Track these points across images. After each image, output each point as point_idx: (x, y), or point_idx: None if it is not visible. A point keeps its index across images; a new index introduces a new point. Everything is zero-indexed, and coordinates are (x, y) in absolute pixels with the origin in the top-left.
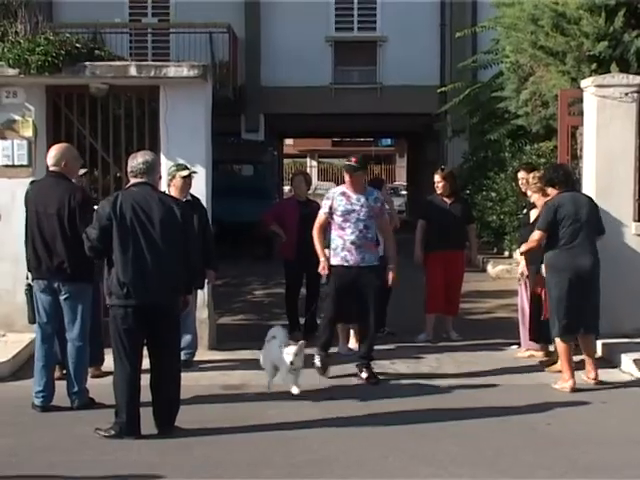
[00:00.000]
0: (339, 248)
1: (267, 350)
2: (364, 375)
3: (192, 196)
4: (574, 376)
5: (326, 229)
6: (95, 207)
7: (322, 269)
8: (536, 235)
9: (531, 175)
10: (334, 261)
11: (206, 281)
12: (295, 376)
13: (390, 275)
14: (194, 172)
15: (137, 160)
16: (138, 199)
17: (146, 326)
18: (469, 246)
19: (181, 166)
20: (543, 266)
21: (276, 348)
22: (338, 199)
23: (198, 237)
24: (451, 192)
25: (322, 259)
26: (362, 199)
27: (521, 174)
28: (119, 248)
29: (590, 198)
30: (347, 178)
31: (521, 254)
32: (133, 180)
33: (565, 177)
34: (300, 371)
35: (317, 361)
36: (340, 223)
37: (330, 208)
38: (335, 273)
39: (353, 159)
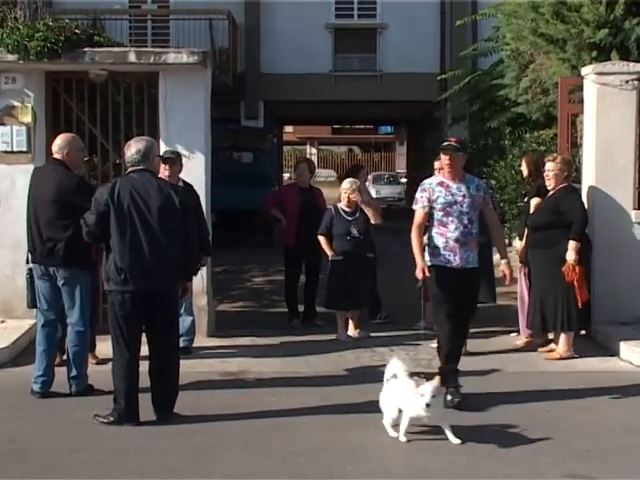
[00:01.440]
0: (440, 248)
1: (388, 390)
2: (456, 400)
3: (184, 182)
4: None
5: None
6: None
7: (419, 273)
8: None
9: (553, 161)
10: (434, 262)
11: (200, 265)
12: (444, 421)
13: (507, 271)
14: (173, 156)
15: (130, 151)
16: (136, 185)
17: (144, 312)
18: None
19: (170, 152)
20: (571, 252)
21: (401, 387)
22: (436, 190)
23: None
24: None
25: (420, 262)
26: (463, 188)
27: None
28: (117, 234)
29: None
30: (446, 162)
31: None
32: (131, 169)
33: None
34: (445, 417)
35: (450, 397)
36: (440, 218)
37: (428, 201)
38: (436, 278)
39: (453, 139)
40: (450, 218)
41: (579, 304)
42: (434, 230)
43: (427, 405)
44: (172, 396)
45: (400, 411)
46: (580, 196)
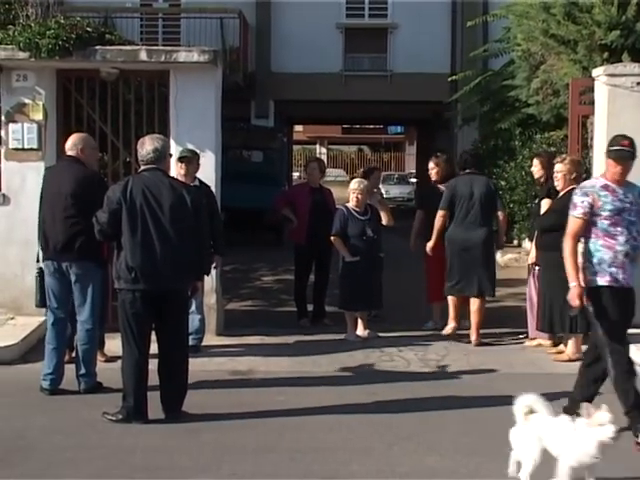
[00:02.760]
0: (606, 264)
1: (527, 429)
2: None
3: (200, 181)
4: (457, 323)
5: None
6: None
7: (576, 299)
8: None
9: (561, 162)
10: (599, 281)
11: (213, 266)
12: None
13: None
14: (190, 155)
15: (146, 149)
16: (149, 184)
17: (154, 311)
18: None
19: (187, 151)
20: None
21: (553, 426)
22: (602, 195)
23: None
24: (446, 179)
25: (576, 285)
26: (629, 194)
27: (534, 163)
28: (128, 232)
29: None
30: (617, 171)
31: None
32: (143, 167)
33: (463, 161)
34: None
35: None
36: (607, 227)
37: (591, 207)
38: (603, 301)
39: (625, 142)
40: (619, 228)
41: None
42: (599, 243)
43: (612, 437)
44: (180, 395)
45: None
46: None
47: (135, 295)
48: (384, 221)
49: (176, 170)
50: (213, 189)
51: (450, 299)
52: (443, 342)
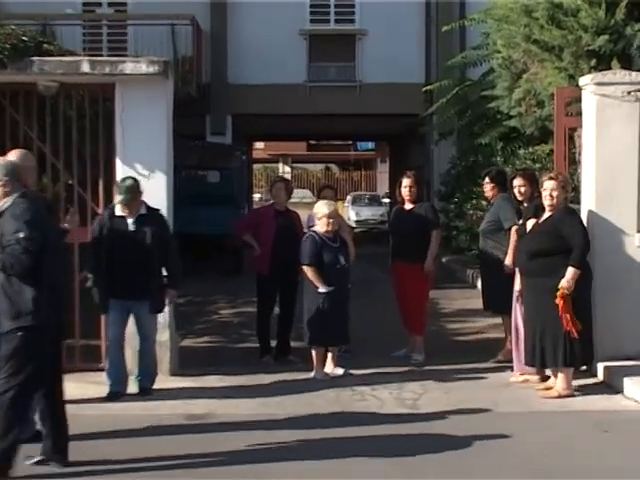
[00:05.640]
0: None
1: None
2: None
3: (148, 207)
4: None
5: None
6: None
7: None
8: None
9: (554, 179)
10: None
11: (167, 302)
12: None
13: None
14: (130, 196)
15: None
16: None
17: (50, 348)
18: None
19: (125, 192)
20: (569, 279)
21: None
22: None
23: (154, 252)
24: (415, 198)
25: None
26: None
27: (517, 181)
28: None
29: None
30: None
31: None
32: None
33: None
34: None
35: None
36: None
37: None
38: None
39: None
40: None
41: (574, 335)
42: None
43: None
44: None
45: None
46: (581, 219)
47: (37, 331)
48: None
49: (120, 209)
50: (165, 213)
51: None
52: (420, 379)
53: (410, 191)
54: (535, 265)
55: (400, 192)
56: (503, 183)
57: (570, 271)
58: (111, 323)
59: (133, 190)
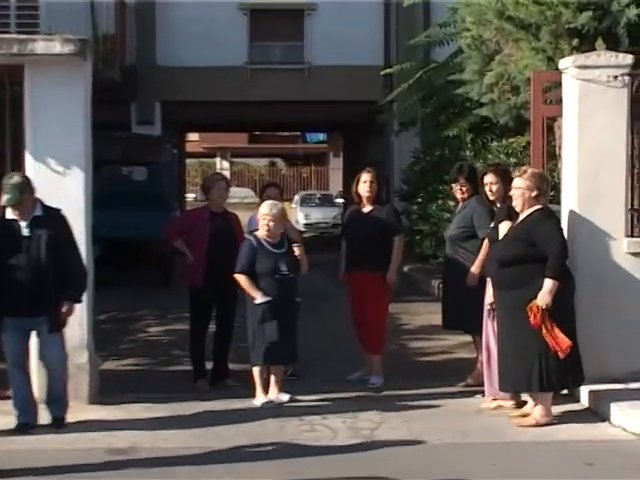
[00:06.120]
0: None
1: None
2: None
3: (46, 208)
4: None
5: None
6: None
7: None
8: None
9: (520, 176)
10: None
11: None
12: None
13: None
14: (18, 200)
15: None
16: None
17: None
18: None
19: (11, 190)
20: (545, 293)
21: None
22: None
23: (51, 261)
24: (374, 199)
25: None
26: None
27: (488, 178)
28: None
29: None
30: None
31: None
32: None
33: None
34: None
35: None
36: None
37: None
38: None
39: None
40: None
41: (561, 355)
42: None
43: None
44: None
45: None
46: (559, 221)
47: None
48: (302, 267)
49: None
50: (82, 216)
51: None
52: (378, 407)
53: (370, 187)
54: (506, 275)
55: (357, 190)
56: (476, 182)
57: (547, 284)
58: (8, 344)
59: (21, 188)
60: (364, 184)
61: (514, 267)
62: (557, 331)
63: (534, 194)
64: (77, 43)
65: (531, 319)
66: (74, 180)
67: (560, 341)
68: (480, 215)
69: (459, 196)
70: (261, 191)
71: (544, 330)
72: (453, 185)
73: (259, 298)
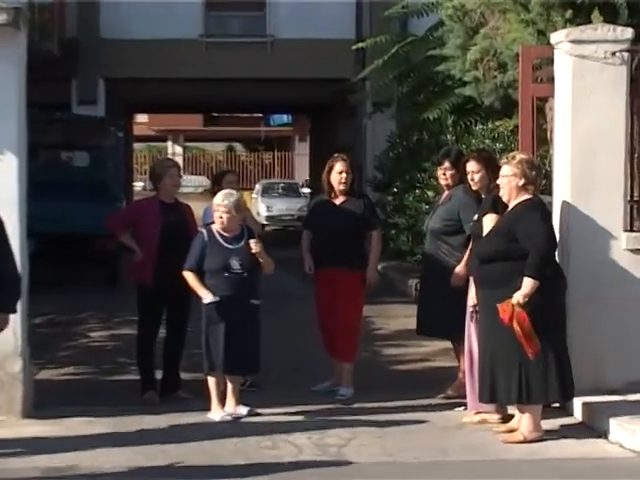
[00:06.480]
0: None
1: None
2: None
3: None
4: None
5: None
6: None
7: None
8: None
9: (507, 163)
10: None
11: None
12: None
13: None
14: None
15: None
16: None
17: None
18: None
19: None
20: (523, 291)
21: None
22: None
23: None
24: (349, 189)
25: None
26: None
27: (471, 166)
28: None
29: None
30: None
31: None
32: None
33: None
34: None
35: None
36: None
37: None
38: None
39: None
40: None
41: (530, 356)
42: None
43: None
44: None
45: None
46: (546, 214)
47: None
48: (263, 266)
49: None
50: (15, 207)
51: None
52: (348, 424)
53: (346, 179)
54: (487, 273)
55: (329, 180)
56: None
57: (526, 283)
58: None
59: None
60: (339, 175)
61: (496, 264)
62: (529, 331)
63: (521, 183)
64: (9, 12)
65: (500, 314)
66: (6, 167)
67: (532, 343)
68: (468, 207)
69: (443, 183)
70: (216, 179)
71: (516, 328)
72: (438, 170)
73: (206, 298)
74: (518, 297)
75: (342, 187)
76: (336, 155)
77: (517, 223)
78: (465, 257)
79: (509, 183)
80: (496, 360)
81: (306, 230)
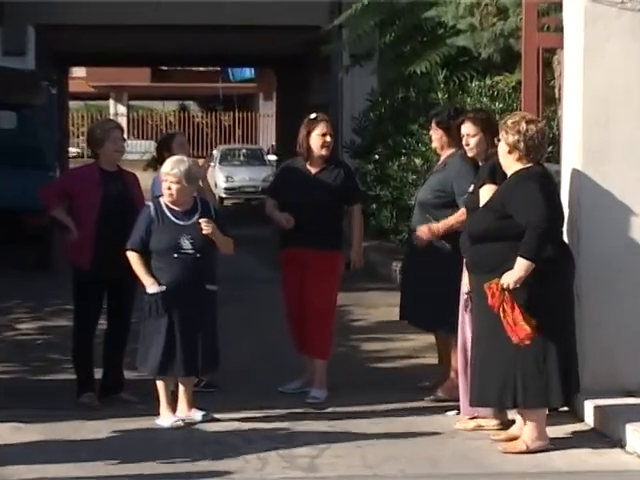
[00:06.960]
0: None
1: None
2: None
3: None
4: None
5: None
6: None
7: None
8: None
9: (505, 123)
10: None
11: None
12: None
13: None
14: None
15: None
16: None
17: None
18: (350, 241)
19: None
20: (515, 272)
21: None
22: None
23: None
24: (329, 156)
25: None
26: None
27: (466, 128)
28: None
29: None
30: None
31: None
32: None
33: None
34: None
35: None
36: None
37: None
38: None
39: None
40: None
41: (516, 341)
42: None
43: None
44: None
45: None
46: (547, 185)
47: None
48: (220, 247)
49: None
50: None
51: None
52: (321, 432)
53: (329, 143)
54: (479, 253)
55: (309, 144)
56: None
57: (519, 264)
58: None
59: None
60: (321, 137)
61: (489, 244)
62: (518, 316)
63: (516, 153)
64: None
65: (489, 298)
66: None
67: (519, 329)
68: (464, 177)
69: (435, 145)
70: (163, 142)
71: (502, 313)
72: (431, 131)
73: (150, 287)
74: (508, 280)
75: (324, 152)
76: (315, 115)
77: (511, 196)
78: (444, 222)
79: (501, 151)
80: (489, 354)
81: (271, 200)
